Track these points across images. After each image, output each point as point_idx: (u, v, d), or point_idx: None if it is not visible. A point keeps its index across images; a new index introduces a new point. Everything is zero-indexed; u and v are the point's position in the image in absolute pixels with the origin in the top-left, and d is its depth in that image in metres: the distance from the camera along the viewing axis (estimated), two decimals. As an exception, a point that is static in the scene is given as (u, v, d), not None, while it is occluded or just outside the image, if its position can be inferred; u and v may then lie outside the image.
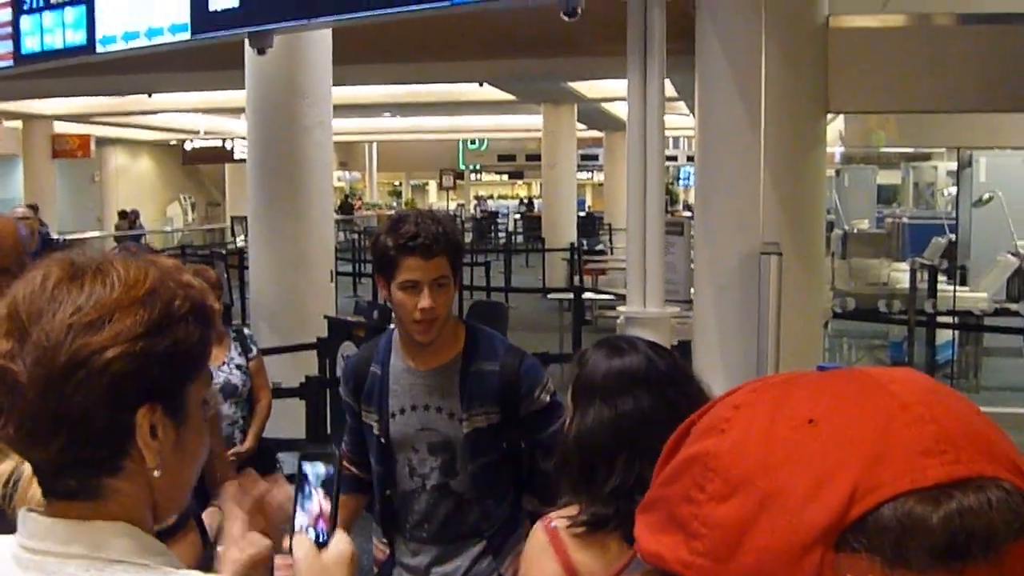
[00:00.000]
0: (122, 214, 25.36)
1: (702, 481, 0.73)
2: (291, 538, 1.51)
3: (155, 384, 1.14)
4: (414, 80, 16.68)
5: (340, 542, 1.49)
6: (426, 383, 2.93)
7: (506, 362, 2.92)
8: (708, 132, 5.95)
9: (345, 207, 36.97)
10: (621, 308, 5.89)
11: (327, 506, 1.50)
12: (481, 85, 17.07)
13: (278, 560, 1.51)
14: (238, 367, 4.80)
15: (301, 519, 1.50)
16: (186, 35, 6.81)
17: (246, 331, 5.12)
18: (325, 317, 7.33)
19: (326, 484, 1.51)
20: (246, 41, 6.69)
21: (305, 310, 8.03)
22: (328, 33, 8.10)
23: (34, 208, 15.96)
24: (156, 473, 1.16)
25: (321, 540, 1.48)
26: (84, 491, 1.15)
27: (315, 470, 1.52)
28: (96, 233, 23.90)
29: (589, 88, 18.35)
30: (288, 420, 5.92)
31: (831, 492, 0.67)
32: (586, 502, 2.03)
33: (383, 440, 2.97)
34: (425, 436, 2.93)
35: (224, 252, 15.20)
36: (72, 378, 1.09)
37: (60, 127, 23.37)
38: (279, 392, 5.61)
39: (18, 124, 22.20)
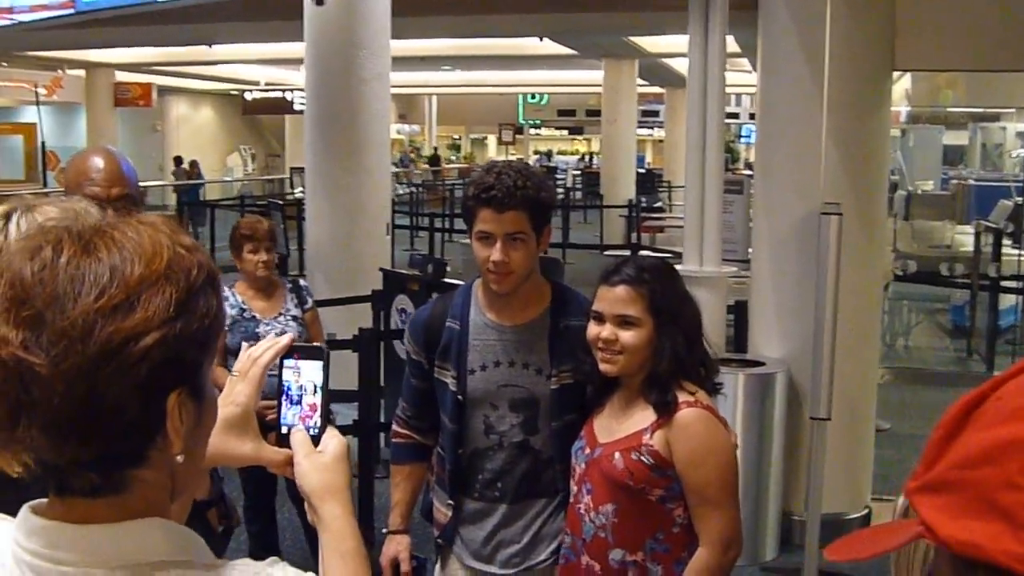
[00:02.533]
0: (177, 160, 25.61)
1: None
2: (277, 433, 1.44)
3: (186, 366, 1.05)
4: (473, 33, 16.58)
5: (333, 438, 1.43)
6: (512, 339, 2.89)
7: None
8: (770, 90, 5.86)
9: (434, 160, 37.15)
10: (677, 267, 5.83)
11: (317, 401, 1.45)
12: (541, 40, 16.93)
13: (272, 453, 1.45)
14: (294, 318, 4.82)
15: (290, 416, 1.45)
16: (246, -15, 6.82)
17: (302, 282, 5.14)
18: (380, 270, 7.34)
19: (314, 379, 1.46)
20: (306, -8, 6.69)
21: (361, 262, 8.04)
22: (388, -16, 8.06)
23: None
24: (180, 458, 1.08)
25: (313, 435, 1.43)
26: (107, 486, 1.05)
27: (302, 365, 1.47)
28: (158, 182, 24.16)
29: (651, 43, 18.14)
30: (342, 372, 5.93)
31: None
32: (694, 380, 2.64)
33: (460, 397, 2.91)
34: (508, 393, 2.89)
35: (281, 203, 15.27)
36: (105, 368, 0.98)
37: (122, 76, 23.58)
38: (333, 344, 5.62)
39: (81, 73, 22.41)
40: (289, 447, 1.42)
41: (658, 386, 2.61)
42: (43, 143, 13.45)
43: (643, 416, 2.63)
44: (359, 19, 8.02)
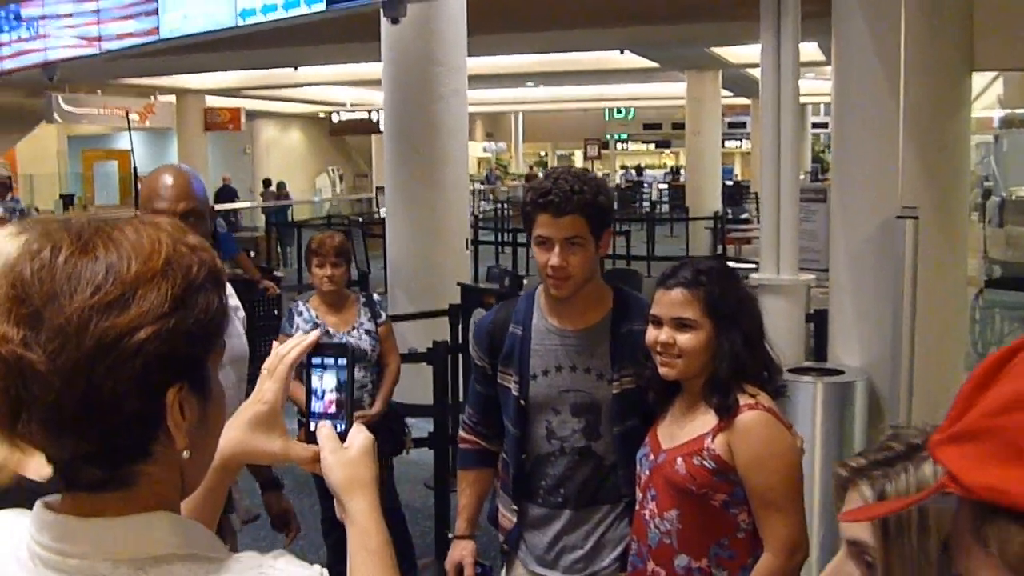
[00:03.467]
0: (266, 183, 26.07)
1: None
2: (305, 430, 1.45)
3: (184, 361, 1.07)
4: (553, 49, 16.63)
5: (359, 434, 1.43)
6: (574, 343, 2.90)
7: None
8: (845, 92, 5.76)
9: (529, 179, 37.30)
10: (753, 275, 5.77)
11: (343, 397, 1.46)
12: (622, 52, 16.90)
13: (300, 450, 1.46)
14: (367, 332, 4.86)
15: (317, 412, 1.47)
16: (321, 6, 6.93)
17: (375, 296, 5.19)
18: (458, 284, 7.38)
19: (340, 376, 1.47)
20: (381, 11, 6.76)
21: (440, 277, 8.09)
22: (462, 2, 8.12)
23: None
24: (186, 454, 1.10)
25: (340, 431, 1.44)
26: (114, 481, 1.07)
27: (327, 362, 1.48)
28: (247, 204, 24.61)
29: (733, 54, 18.00)
30: (419, 386, 5.98)
31: None
32: (756, 383, 2.60)
33: (522, 402, 2.93)
34: (569, 397, 2.90)
35: (362, 221, 15.43)
36: (101, 363, 1.00)
37: (212, 101, 24.08)
38: (409, 357, 5.66)
39: (172, 99, 22.94)
40: (316, 443, 1.42)
41: (719, 389, 2.57)
42: (135, 168, 13.78)
43: (704, 420, 2.60)
44: (435, 36, 8.10)
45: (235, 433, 1.41)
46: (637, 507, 2.75)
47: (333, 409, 1.46)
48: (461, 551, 3.08)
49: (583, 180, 2.78)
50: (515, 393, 2.93)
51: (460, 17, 8.31)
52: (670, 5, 11.55)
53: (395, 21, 6.71)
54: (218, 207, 17.69)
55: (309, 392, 1.48)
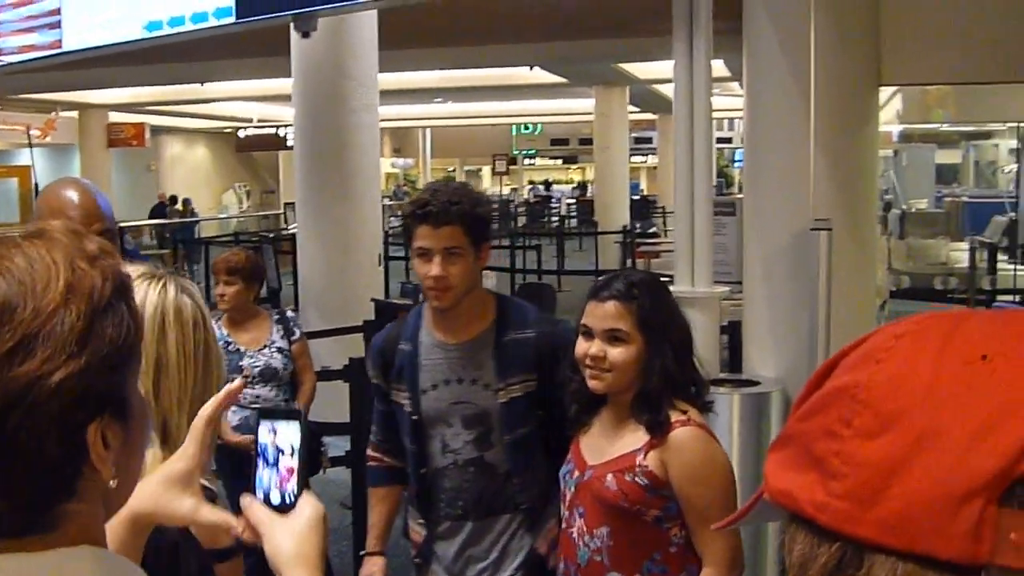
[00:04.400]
0: (171, 200, 25.58)
1: (849, 415, 0.64)
2: (248, 499, 1.38)
3: (103, 394, 0.97)
4: (463, 65, 16.64)
5: (308, 503, 1.36)
6: (458, 356, 2.93)
7: (541, 329, 2.93)
8: (757, 106, 5.84)
9: None
10: (670, 288, 5.80)
11: (294, 464, 1.39)
12: (531, 68, 16.98)
13: (208, 513, 1.39)
14: (279, 350, 4.78)
15: (265, 480, 1.39)
16: (231, 19, 6.80)
17: (289, 313, 5.10)
18: (372, 300, 7.31)
19: (291, 442, 1.41)
20: (291, 25, 6.67)
21: (353, 294, 8.01)
22: (373, 16, 8.07)
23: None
24: (113, 483, 1.02)
25: (289, 502, 1.37)
26: (37, 525, 0.98)
27: (278, 428, 1.41)
28: (152, 221, 24.18)
29: (641, 70, 18.19)
30: (335, 404, 5.90)
31: (1003, 436, 0.59)
32: (685, 398, 2.57)
33: (415, 417, 2.96)
34: (460, 410, 2.93)
35: (272, 237, 15.26)
36: (14, 415, 0.91)
37: (116, 117, 23.67)
38: (324, 375, 5.58)
39: (75, 114, 22.49)
40: (255, 514, 1.35)
41: (649, 404, 2.55)
42: (36, 184, 13.44)
43: (635, 436, 2.57)
44: (346, 49, 8.03)
45: (148, 489, 1.33)
46: (563, 525, 2.73)
47: (284, 475, 1.39)
48: (372, 567, 3.11)
49: (461, 192, 2.85)
50: (408, 409, 2.97)
51: (371, 31, 8.26)
52: (580, 22, 11.61)
53: (306, 35, 6.61)
54: (124, 224, 17.31)
55: (257, 458, 1.40)
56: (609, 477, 2.56)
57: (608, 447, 2.63)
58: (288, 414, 1.44)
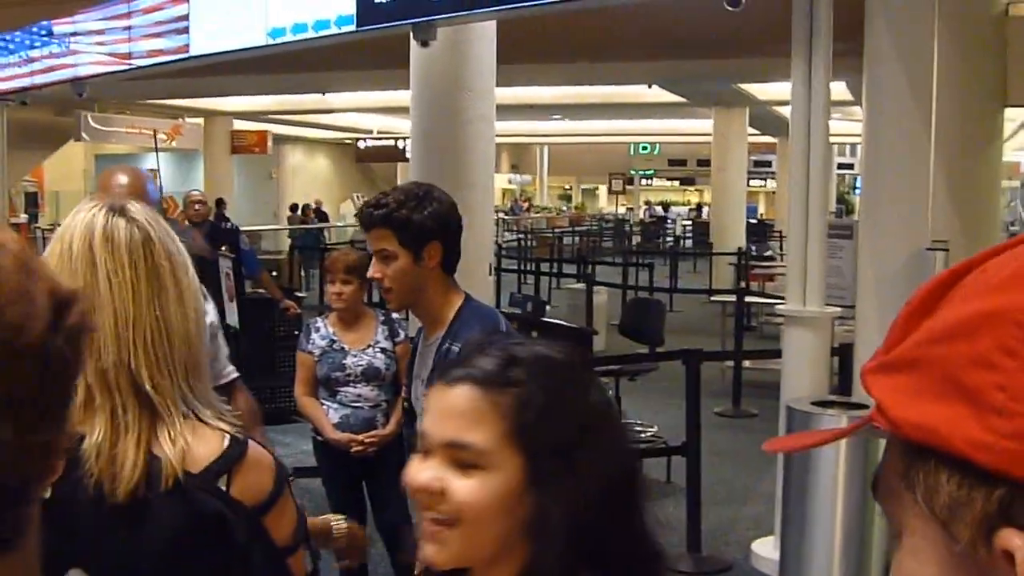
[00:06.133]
0: (293, 208, 26.29)
1: (1013, 343, 0.57)
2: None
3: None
4: (580, 81, 16.65)
5: None
6: (427, 354, 2.94)
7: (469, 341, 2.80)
8: (876, 124, 5.73)
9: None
10: (780, 306, 5.71)
11: None
12: (650, 87, 16.91)
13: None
14: (383, 350, 4.81)
15: None
16: (351, 27, 6.93)
17: (395, 315, 5.13)
18: (480, 309, 7.34)
19: None
20: (411, 34, 6.76)
21: (462, 303, 8.04)
22: (492, 28, 8.12)
23: (220, 202, 16.63)
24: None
25: None
26: None
27: None
28: (272, 226, 24.72)
29: (761, 91, 17.98)
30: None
31: None
32: None
33: (407, 404, 3.07)
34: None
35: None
36: None
37: (239, 124, 24.24)
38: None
39: (200, 121, 23.10)
40: None
41: None
42: (161, 187, 13.84)
43: None
44: (464, 60, 8.09)
45: None
46: None
47: None
48: None
49: (401, 193, 2.82)
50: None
51: (490, 42, 8.31)
52: (700, 40, 11.54)
53: (425, 44, 6.70)
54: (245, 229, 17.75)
55: None
56: None
57: None
58: None
